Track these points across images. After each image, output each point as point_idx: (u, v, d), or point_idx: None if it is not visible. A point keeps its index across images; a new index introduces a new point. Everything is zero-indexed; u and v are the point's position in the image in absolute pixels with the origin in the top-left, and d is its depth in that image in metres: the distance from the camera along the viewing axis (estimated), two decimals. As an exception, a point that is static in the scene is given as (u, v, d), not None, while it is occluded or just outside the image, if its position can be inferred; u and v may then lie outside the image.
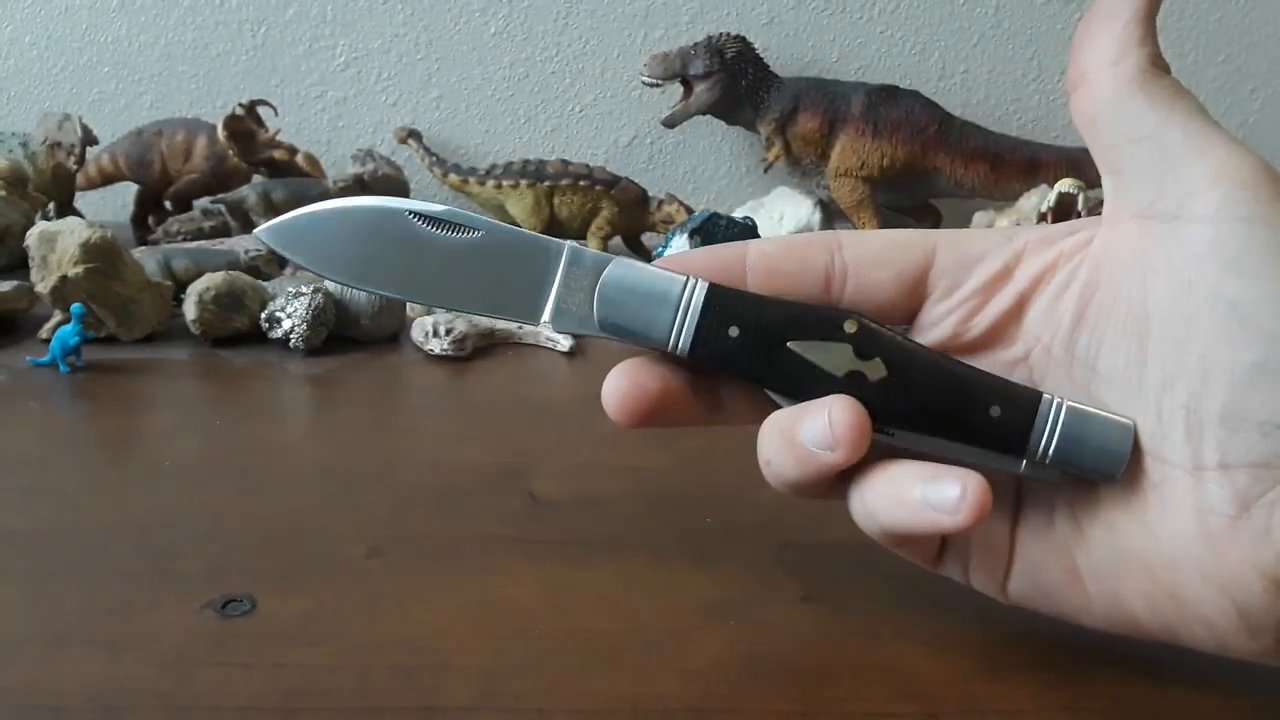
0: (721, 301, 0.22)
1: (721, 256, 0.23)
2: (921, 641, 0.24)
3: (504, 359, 0.48)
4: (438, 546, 0.28)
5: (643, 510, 0.31)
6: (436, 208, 0.23)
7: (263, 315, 0.47)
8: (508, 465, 0.34)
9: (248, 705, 0.21)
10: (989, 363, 0.23)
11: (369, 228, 0.22)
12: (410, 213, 0.22)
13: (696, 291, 0.22)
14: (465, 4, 0.83)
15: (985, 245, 0.23)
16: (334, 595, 0.25)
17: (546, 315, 0.22)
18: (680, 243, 0.52)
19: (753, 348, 0.22)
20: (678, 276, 0.22)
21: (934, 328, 0.23)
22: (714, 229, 0.53)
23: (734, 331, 0.22)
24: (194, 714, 0.20)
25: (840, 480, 0.22)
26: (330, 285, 0.49)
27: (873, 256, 0.23)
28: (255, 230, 0.23)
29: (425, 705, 0.21)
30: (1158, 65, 0.21)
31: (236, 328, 0.47)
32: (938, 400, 0.21)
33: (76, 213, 0.69)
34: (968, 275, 0.23)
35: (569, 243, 0.22)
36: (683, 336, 0.22)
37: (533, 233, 0.23)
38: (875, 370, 0.21)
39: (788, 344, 0.22)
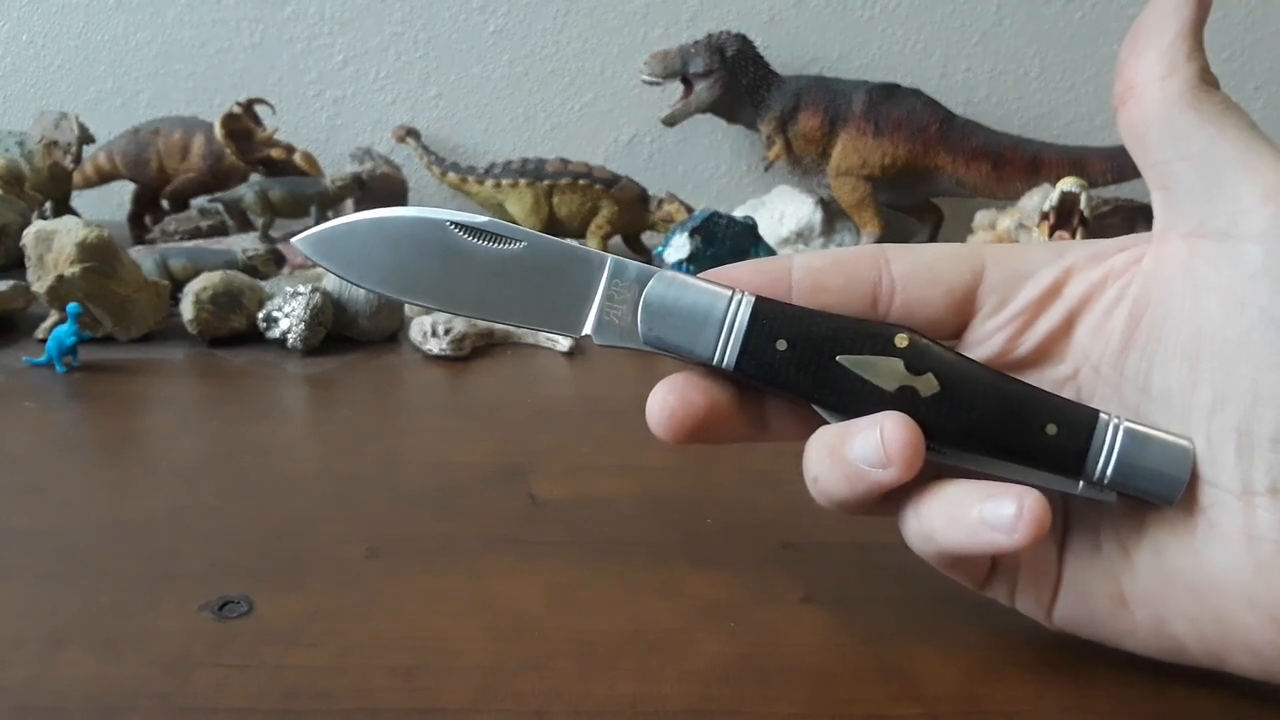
0: (768, 315, 0.22)
1: (766, 271, 0.23)
2: (922, 642, 0.23)
3: (503, 359, 0.48)
4: (437, 547, 0.28)
5: (643, 510, 0.31)
6: (478, 219, 0.22)
7: (260, 315, 0.47)
8: (508, 465, 0.34)
9: (246, 706, 0.20)
10: (1037, 380, 0.22)
11: (408, 239, 0.22)
12: (451, 223, 0.22)
13: (743, 305, 0.22)
14: (464, 2, 0.83)
15: (1035, 261, 0.23)
16: (332, 596, 0.25)
17: (588, 328, 0.22)
18: (680, 241, 0.52)
19: (801, 362, 0.21)
20: (723, 290, 0.22)
21: (982, 344, 0.23)
22: (714, 228, 0.53)
23: (782, 345, 0.21)
24: (192, 715, 0.20)
25: (888, 498, 0.22)
26: (328, 284, 0.49)
27: (921, 271, 0.22)
28: (293, 240, 0.23)
29: (424, 706, 0.21)
30: (1207, 80, 0.21)
31: (234, 327, 0.47)
32: (992, 417, 0.21)
33: (73, 212, 0.69)
34: (1017, 292, 0.22)
35: (611, 255, 0.22)
36: (729, 351, 0.22)
37: (575, 244, 0.23)
38: (928, 386, 0.21)
39: (837, 358, 0.21)
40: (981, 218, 0.64)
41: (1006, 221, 0.61)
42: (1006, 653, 0.23)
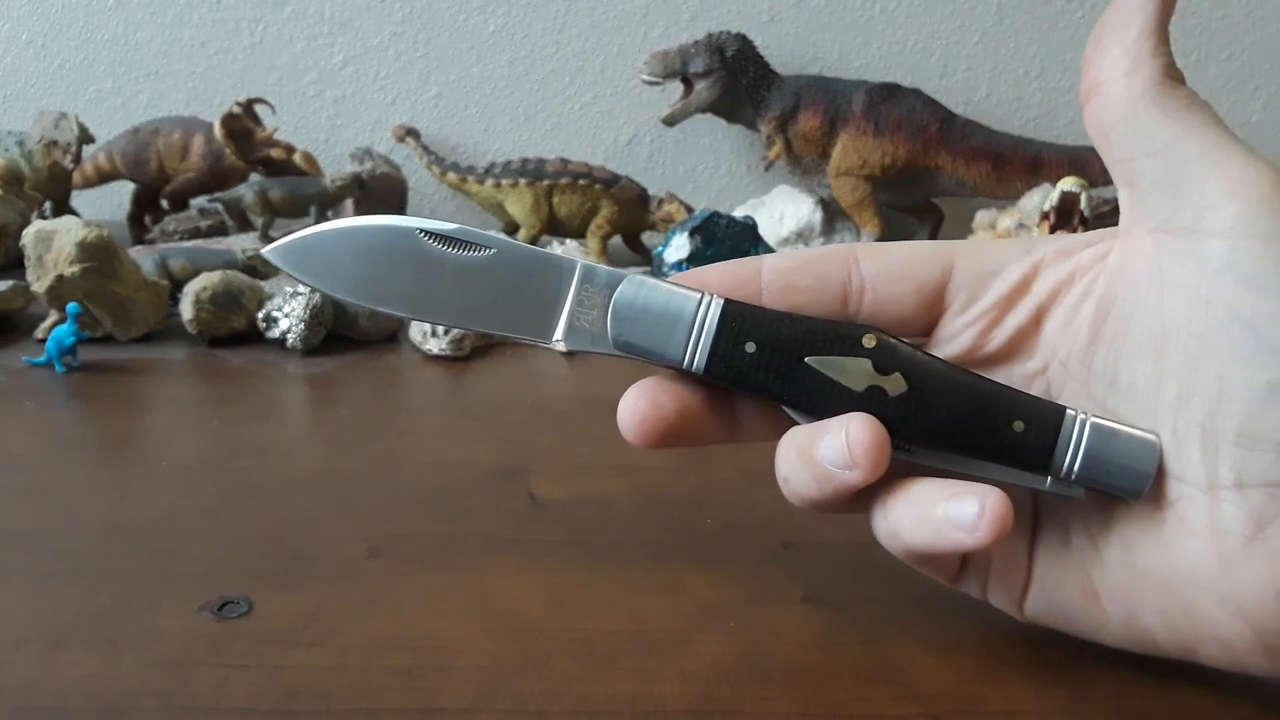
0: (737, 318, 0.22)
1: (736, 273, 0.23)
2: (922, 642, 0.24)
3: (503, 359, 0.48)
4: (437, 547, 0.28)
5: (643, 510, 0.31)
6: (448, 226, 0.22)
7: (260, 315, 0.47)
8: (508, 465, 0.34)
9: (246, 706, 0.20)
10: (1007, 377, 0.22)
11: (378, 247, 0.22)
12: (421, 231, 0.22)
13: (712, 308, 0.22)
14: (464, 2, 0.83)
15: (1003, 258, 0.23)
16: (332, 596, 0.25)
17: (559, 334, 0.22)
18: (680, 241, 0.52)
19: (770, 364, 0.21)
20: (692, 293, 0.22)
21: (951, 341, 0.23)
22: (714, 228, 0.53)
23: (751, 348, 0.21)
24: (192, 715, 0.20)
25: (862, 496, 0.22)
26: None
27: (891, 270, 0.23)
28: (261, 250, 0.23)
29: (424, 706, 0.21)
30: (1172, 76, 0.21)
31: (234, 327, 0.47)
32: (960, 415, 0.21)
33: (73, 211, 0.69)
34: (986, 288, 0.22)
35: (581, 260, 0.22)
36: (698, 354, 0.22)
37: (545, 250, 0.23)
38: (895, 385, 0.21)
39: (805, 359, 0.21)
40: (981, 218, 0.65)
41: (1006, 221, 0.61)
42: (1006, 653, 0.23)
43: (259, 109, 0.69)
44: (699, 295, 0.22)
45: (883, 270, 0.23)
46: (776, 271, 0.23)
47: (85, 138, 0.69)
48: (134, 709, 0.20)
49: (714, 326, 0.21)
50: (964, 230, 0.67)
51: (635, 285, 0.22)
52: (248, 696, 0.21)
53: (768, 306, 0.22)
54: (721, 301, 0.22)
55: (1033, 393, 0.22)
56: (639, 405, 0.22)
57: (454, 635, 0.23)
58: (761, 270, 0.23)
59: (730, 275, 0.23)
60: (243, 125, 0.67)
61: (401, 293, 0.22)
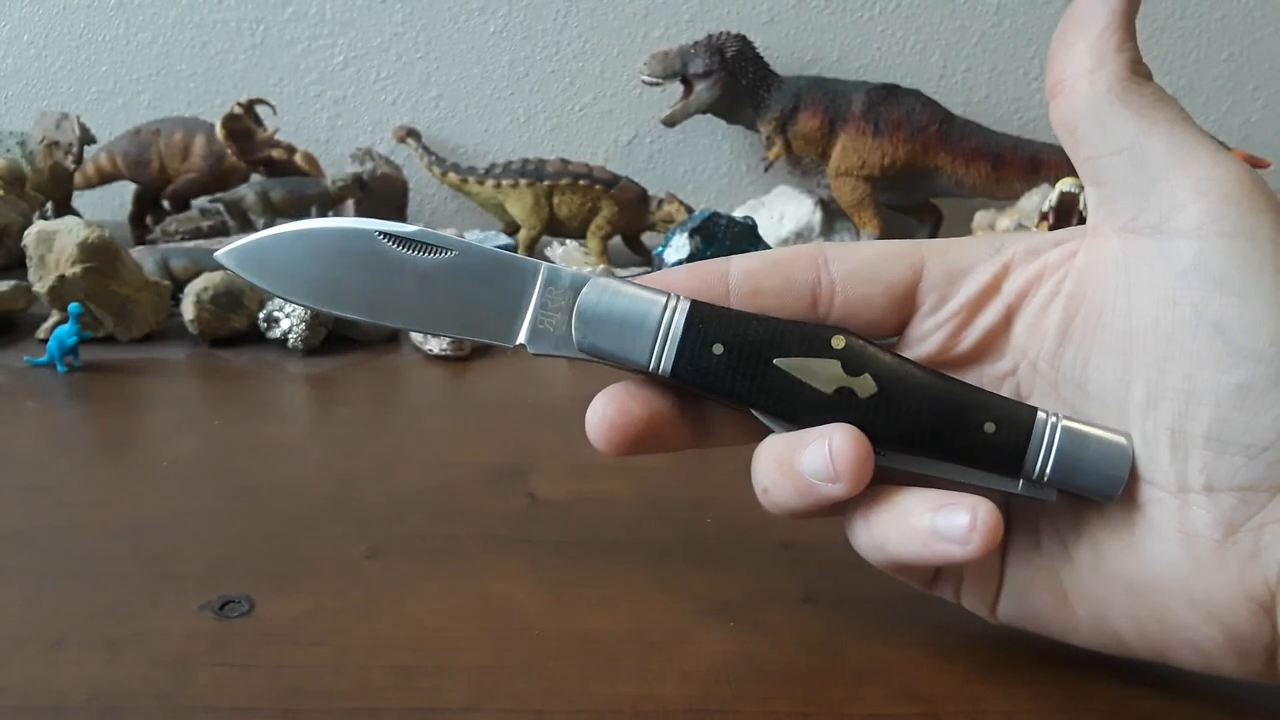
0: (704, 319, 0.21)
1: (703, 275, 0.22)
2: (922, 642, 0.24)
3: (503, 359, 0.48)
4: (437, 547, 0.28)
5: (643, 510, 0.31)
6: (407, 228, 0.22)
7: (261, 315, 0.47)
8: (508, 465, 0.34)
9: (247, 706, 0.21)
10: (977, 377, 0.22)
11: (336, 249, 0.22)
12: (380, 233, 0.22)
13: (678, 310, 0.21)
14: (464, 2, 0.83)
15: (973, 257, 0.22)
16: (333, 596, 0.25)
17: (522, 337, 0.22)
18: (680, 242, 0.52)
19: (738, 366, 0.21)
20: (658, 295, 0.21)
21: (922, 342, 0.23)
22: (714, 228, 0.53)
23: (718, 349, 0.21)
24: (193, 714, 0.20)
25: (841, 504, 0.21)
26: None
27: (860, 271, 0.22)
28: (214, 254, 0.23)
29: (425, 706, 0.21)
30: (1138, 72, 0.20)
31: (234, 327, 0.47)
32: (931, 416, 0.21)
33: (74, 212, 0.69)
34: (956, 289, 0.22)
35: (545, 263, 0.22)
36: (664, 356, 0.21)
37: (507, 253, 0.22)
38: (865, 387, 0.21)
39: (774, 361, 0.21)
40: (981, 218, 0.65)
41: (1006, 221, 0.61)
42: (1006, 653, 0.23)
43: (260, 109, 0.69)
44: (665, 297, 0.21)
45: (852, 271, 0.22)
46: (744, 273, 0.22)
47: (86, 138, 0.69)
48: (135, 708, 0.20)
49: (680, 329, 0.21)
50: (964, 231, 0.67)
51: (600, 287, 0.22)
52: (248, 696, 0.21)
53: (736, 309, 0.22)
54: (688, 303, 0.21)
55: (1003, 394, 0.22)
56: (606, 412, 0.22)
57: (454, 635, 0.23)
58: (729, 272, 0.22)
59: (697, 278, 0.22)
60: (244, 126, 0.67)
61: (357, 296, 0.22)
